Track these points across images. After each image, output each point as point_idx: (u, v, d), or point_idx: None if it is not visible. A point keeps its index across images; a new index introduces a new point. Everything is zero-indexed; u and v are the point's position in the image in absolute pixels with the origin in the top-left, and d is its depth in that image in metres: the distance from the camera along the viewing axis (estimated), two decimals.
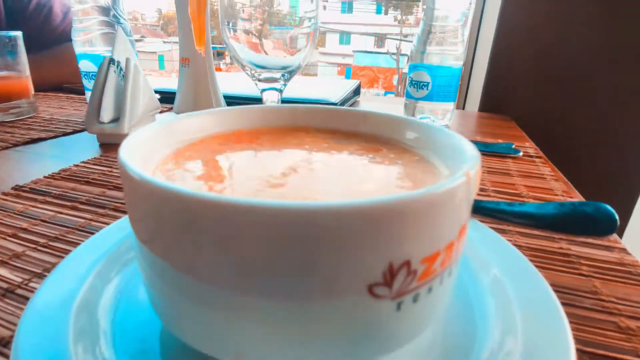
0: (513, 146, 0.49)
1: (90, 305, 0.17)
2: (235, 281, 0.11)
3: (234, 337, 0.12)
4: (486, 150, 0.47)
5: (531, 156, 0.47)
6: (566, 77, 0.70)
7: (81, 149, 0.46)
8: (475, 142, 0.51)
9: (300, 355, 0.12)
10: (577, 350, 0.17)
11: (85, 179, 0.36)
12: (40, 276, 0.22)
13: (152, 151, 0.17)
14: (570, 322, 0.19)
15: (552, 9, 0.68)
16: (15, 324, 0.18)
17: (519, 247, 0.26)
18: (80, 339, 0.15)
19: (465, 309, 0.18)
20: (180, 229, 0.11)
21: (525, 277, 0.19)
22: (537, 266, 0.24)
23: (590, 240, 0.27)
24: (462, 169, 0.12)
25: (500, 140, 0.53)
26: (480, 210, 0.25)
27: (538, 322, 0.16)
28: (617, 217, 0.22)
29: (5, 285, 0.21)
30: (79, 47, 0.60)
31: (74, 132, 0.54)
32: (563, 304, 0.20)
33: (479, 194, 0.35)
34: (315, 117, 0.23)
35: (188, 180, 0.15)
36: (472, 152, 0.14)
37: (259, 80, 0.45)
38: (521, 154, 0.47)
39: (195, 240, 0.11)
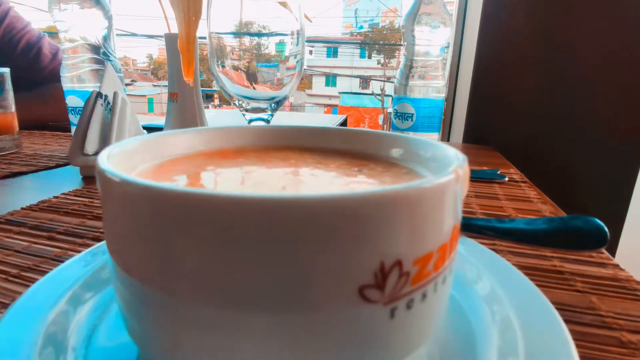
0: (498, 172, 0.50)
1: (56, 337, 0.15)
2: (215, 291, 0.10)
3: (215, 357, 0.11)
4: (472, 177, 0.48)
5: (517, 181, 0.47)
6: (546, 105, 0.73)
7: (63, 182, 0.45)
8: None
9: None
10: None
11: (65, 210, 0.35)
12: (8, 307, 0.20)
13: (133, 164, 0.16)
14: (573, 339, 0.18)
15: (525, 41, 0.72)
16: None
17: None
18: None
19: (463, 327, 0.17)
20: (156, 231, 0.10)
21: (524, 293, 0.18)
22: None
23: (583, 257, 0.26)
24: (450, 168, 0.12)
25: (485, 168, 0.54)
26: (471, 227, 0.25)
27: (540, 337, 0.15)
28: (607, 229, 0.22)
29: None
30: (67, 83, 0.60)
31: (57, 166, 0.53)
32: (566, 321, 0.20)
33: (468, 216, 0.35)
34: (300, 137, 0.23)
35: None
36: (459, 157, 0.14)
37: (247, 110, 0.45)
38: (507, 179, 0.47)
39: (171, 243, 0.10)
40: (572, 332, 0.19)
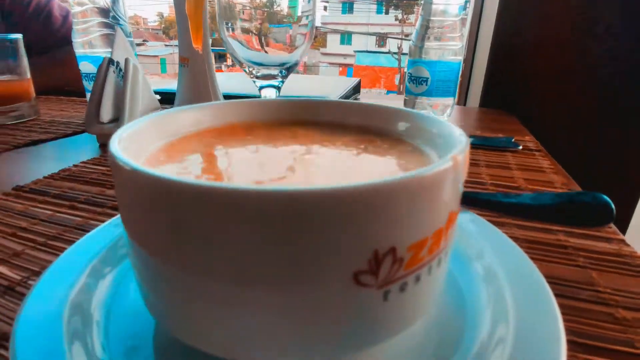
0: (513, 140, 0.49)
1: (82, 303, 0.17)
2: (221, 273, 0.11)
3: (221, 330, 0.12)
4: (485, 144, 0.47)
5: (531, 150, 0.46)
6: (569, 70, 0.69)
7: (81, 150, 0.47)
8: (474, 137, 0.50)
9: (287, 346, 0.12)
10: (571, 341, 0.17)
11: (84, 179, 0.36)
12: (39, 274, 0.22)
13: (145, 143, 0.17)
14: (566, 314, 0.19)
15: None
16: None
17: (516, 239, 0.26)
18: (74, 337, 0.15)
19: (457, 297, 0.18)
20: (165, 217, 0.11)
21: (518, 267, 0.19)
22: (533, 258, 0.23)
23: (588, 232, 0.26)
24: (450, 154, 0.12)
25: (500, 135, 0.53)
26: (476, 202, 0.25)
27: (529, 313, 0.16)
28: (613, 206, 0.22)
29: (5, 283, 0.21)
30: (79, 49, 0.60)
31: (75, 133, 0.54)
32: (559, 295, 0.20)
33: (476, 187, 0.35)
34: (308, 110, 0.23)
35: (180, 172, 0.15)
36: (461, 138, 0.14)
37: (257, 77, 0.45)
38: (520, 147, 0.46)
39: (179, 228, 0.11)
40: (567, 307, 0.19)
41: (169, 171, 0.15)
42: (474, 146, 0.47)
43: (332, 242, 0.10)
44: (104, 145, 0.48)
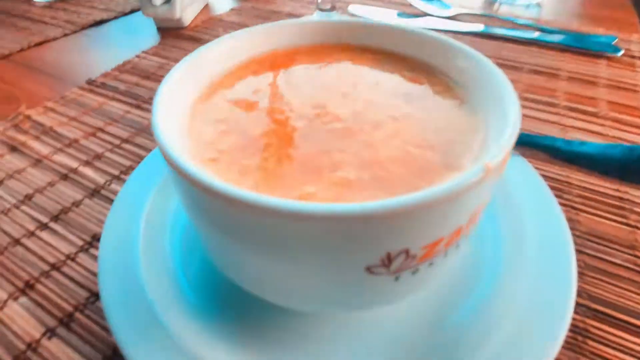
0: (614, 42, 0.40)
1: (155, 219, 0.20)
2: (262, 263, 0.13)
3: (270, 286, 0.15)
4: (577, 47, 0.40)
5: (633, 57, 0.39)
6: None
7: (140, 34, 0.47)
8: (567, 33, 0.42)
9: (314, 301, 0.14)
10: (584, 306, 0.18)
11: (146, 74, 0.38)
12: (118, 178, 0.26)
13: (186, 93, 0.17)
14: (592, 277, 0.19)
15: None
16: (103, 221, 0.23)
17: (570, 184, 0.24)
18: (148, 249, 0.19)
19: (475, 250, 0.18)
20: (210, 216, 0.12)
21: (547, 230, 0.18)
22: (582, 210, 0.23)
23: None
24: (486, 160, 0.12)
25: (601, 30, 0.44)
26: (533, 145, 0.23)
27: (546, 277, 0.17)
28: None
29: (92, 186, 0.25)
30: None
31: (132, 11, 0.54)
32: (594, 257, 0.20)
33: (544, 109, 0.31)
34: (357, 34, 0.21)
35: (218, 139, 0.15)
36: (513, 118, 0.13)
37: None
38: (621, 53, 0.39)
39: (231, 229, 0.12)
40: (597, 270, 0.20)
41: (211, 132, 0.16)
42: (560, 48, 0.40)
43: (346, 250, 0.11)
44: (160, 29, 0.48)
